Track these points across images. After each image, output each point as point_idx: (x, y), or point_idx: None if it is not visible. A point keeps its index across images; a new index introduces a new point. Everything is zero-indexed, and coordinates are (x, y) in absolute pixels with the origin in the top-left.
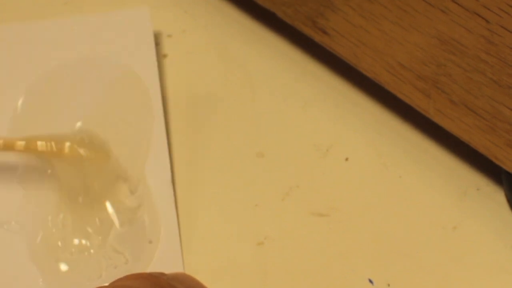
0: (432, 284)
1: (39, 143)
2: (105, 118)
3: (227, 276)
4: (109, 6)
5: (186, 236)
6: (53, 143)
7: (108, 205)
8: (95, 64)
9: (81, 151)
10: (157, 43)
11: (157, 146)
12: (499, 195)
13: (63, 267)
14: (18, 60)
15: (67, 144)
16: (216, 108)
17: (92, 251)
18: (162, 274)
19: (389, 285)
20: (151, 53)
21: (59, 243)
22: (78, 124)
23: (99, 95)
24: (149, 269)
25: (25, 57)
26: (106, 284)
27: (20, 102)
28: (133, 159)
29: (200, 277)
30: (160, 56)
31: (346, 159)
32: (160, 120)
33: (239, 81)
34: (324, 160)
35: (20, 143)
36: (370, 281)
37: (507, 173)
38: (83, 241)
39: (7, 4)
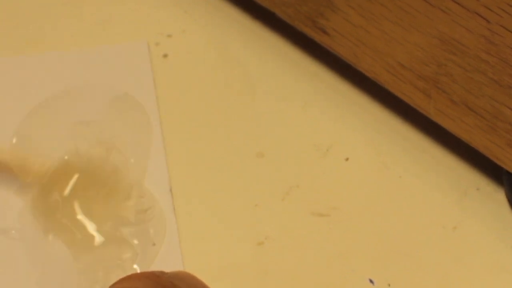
0: (432, 284)
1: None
2: (104, 135)
3: (227, 276)
4: (109, 5)
5: (186, 236)
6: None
7: (112, 213)
8: (96, 88)
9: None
10: (157, 43)
11: (156, 158)
12: (499, 195)
13: (63, 272)
14: (23, 86)
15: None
16: (216, 108)
17: (92, 254)
18: (163, 272)
19: (389, 285)
20: (149, 81)
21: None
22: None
23: (98, 114)
24: (149, 269)
25: (29, 83)
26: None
27: (23, 117)
28: (132, 169)
29: (200, 277)
30: (160, 56)
31: (346, 159)
32: (158, 137)
33: (239, 81)
34: (324, 160)
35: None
36: (371, 281)
37: (508, 173)
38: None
39: (6, 4)
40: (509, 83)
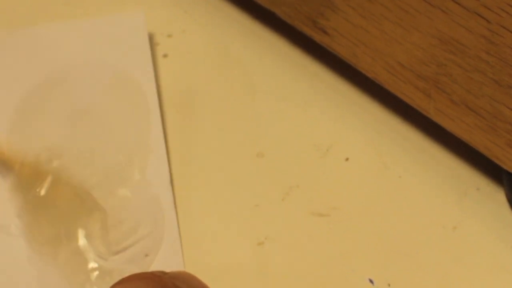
0: (432, 284)
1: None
2: (101, 123)
3: (227, 276)
4: (109, 5)
5: (186, 236)
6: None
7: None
8: (91, 68)
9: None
10: (157, 43)
11: (156, 151)
12: (499, 195)
13: (63, 271)
14: (13, 66)
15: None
16: (216, 108)
17: (91, 255)
18: (163, 273)
19: (389, 285)
20: (146, 56)
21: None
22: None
23: (95, 99)
24: (150, 269)
25: (20, 62)
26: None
27: (15, 107)
28: (131, 164)
29: (200, 277)
30: (160, 56)
31: (346, 159)
32: (157, 123)
33: (239, 81)
34: (324, 160)
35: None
36: (370, 281)
37: (508, 173)
38: (84, 245)
39: (6, 4)
40: (509, 83)
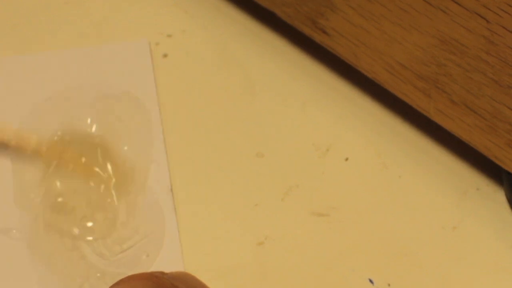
0: (432, 284)
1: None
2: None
3: (227, 276)
4: (109, 5)
5: (186, 236)
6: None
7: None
8: (96, 91)
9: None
10: (157, 43)
11: (157, 162)
12: (499, 195)
13: (63, 272)
14: (18, 91)
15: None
16: (216, 108)
17: (92, 256)
18: (163, 273)
19: (389, 285)
20: (150, 79)
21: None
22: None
23: (99, 116)
24: (150, 269)
25: (22, 88)
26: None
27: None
28: (133, 170)
29: (200, 277)
30: (160, 56)
31: (346, 159)
32: (159, 137)
33: (239, 81)
34: (324, 160)
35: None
36: (370, 281)
37: (507, 173)
38: (85, 246)
39: (7, 3)
40: (509, 83)
